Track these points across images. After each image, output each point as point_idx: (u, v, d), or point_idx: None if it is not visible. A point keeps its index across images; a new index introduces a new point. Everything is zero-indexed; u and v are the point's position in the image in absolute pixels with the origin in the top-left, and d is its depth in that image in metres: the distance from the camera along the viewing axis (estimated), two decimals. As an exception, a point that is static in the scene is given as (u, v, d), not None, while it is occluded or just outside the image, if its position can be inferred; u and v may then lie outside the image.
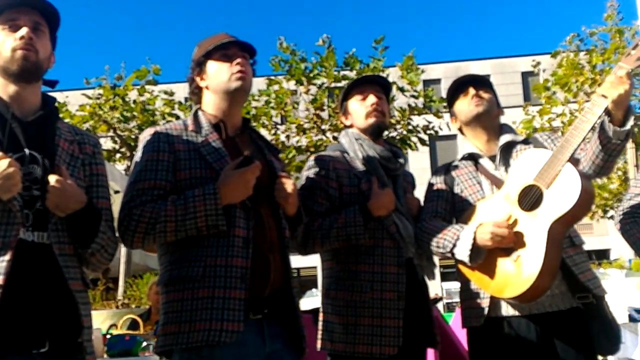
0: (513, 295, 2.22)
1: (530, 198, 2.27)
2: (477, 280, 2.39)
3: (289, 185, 2.14)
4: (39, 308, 1.72)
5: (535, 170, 2.27)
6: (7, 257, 1.66)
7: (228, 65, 2.18)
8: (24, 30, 1.83)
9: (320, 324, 2.52)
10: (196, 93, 2.29)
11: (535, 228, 2.22)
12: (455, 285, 19.93)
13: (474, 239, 2.30)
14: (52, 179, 1.76)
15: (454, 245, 2.36)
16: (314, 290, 18.81)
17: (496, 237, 2.25)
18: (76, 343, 1.78)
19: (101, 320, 5.91)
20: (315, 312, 3.76)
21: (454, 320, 5.11)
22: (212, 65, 2.21)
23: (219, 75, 2.19)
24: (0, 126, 1.79)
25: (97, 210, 1.91)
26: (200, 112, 2.22)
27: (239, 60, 2.18)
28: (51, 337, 1.73)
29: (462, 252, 2.33)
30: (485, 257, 2.33)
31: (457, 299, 18.44)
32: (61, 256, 1.78)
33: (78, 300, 1.79)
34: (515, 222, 2.28)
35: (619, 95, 2.12)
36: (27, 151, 1.79)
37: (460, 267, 2.45)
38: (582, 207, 2.19)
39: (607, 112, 2.18)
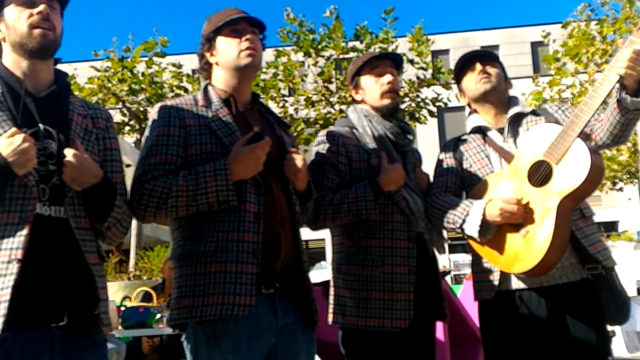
0: (522, 270, 2.24)
1: (540, 174, 2.27)
2: (487, 255, 2.40)
3: (298, 160, 2.15)
4: (57, 282, 1.74)
5: (545, 145, 2.27)
6: (24, 231, 1.68)
7: (237, 41, 2.17)
8: (42, 7, 1.83)
9: (331, 298, 2.56)
10: (206, 69, 2.28)
11: (545, 204, 2.22)
12: (462, 258, 20.04)
13: (484, 214, 2.31)
14: (69, 153, 1.78)
15: (464, 221, 2.37)
16: (322, 262, 18.95)
17: (505, 213, 2.26)
18: (93, 315, 1.82)
19: (114, 291, 6.01)
20: (325, 284, 3.80)
21: (462, 293, 5.15)
22: (221, 41, 2.20)
23: (229, 51, 2.18)
24: (14, 102, 1.80)
25: (112, 184, 1.92)
26: (210, 87, 2.23)
27: (248, 36, 2.17)
28: (69, 311, 1.76)
29: (472, 228, 2.35)
30: (494, 233, 2.34)
31: (464, 271, 18.55)
32: (78, 230, 1.80)
33: (94, 273, 1.82)
34: (524, 197, 2.28)
35: (631, 74, 2.11)
36: (41, 126, 1.80)
37: (471, 242, 2.47)
38: (592, 183, 2.19)
39: (621, 83, 2.17)
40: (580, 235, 2.32)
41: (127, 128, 12.01)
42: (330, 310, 2.54)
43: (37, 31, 1.82)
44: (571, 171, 2.18)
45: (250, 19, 2.21)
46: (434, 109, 11.85)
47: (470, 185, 2.55)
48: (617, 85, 2.17)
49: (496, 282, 2.38)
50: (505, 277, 2.38)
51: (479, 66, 2.57)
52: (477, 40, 29.20)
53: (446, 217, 2.44)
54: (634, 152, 15.94)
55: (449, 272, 16.13)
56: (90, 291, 1.81)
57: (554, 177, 2.23)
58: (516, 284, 2.37)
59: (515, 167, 2.37)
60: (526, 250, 2.24)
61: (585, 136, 2.26)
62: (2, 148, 1.66)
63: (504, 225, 2.31)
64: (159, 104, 2.18)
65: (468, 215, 2.36)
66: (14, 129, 1.69)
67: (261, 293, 2.01)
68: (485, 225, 2.32)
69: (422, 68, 11.48)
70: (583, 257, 2.31)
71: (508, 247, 2.31)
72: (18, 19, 1.83)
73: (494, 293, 2.39)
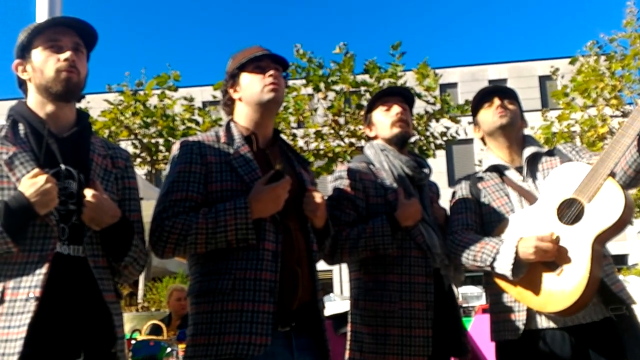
0: (557, 310, 2.20)
1: (571, 212, 2.25)
2: (517, 294, 2.34)
3: (317, 198, 2.16)
4: (74, 320, 1.75)
5: (573, 184, 2.26)
6: (43, 270, 1.70)
7: (261, 77, 2.20)
8: (68, 53, 1.88)
9: (349, 334, 2.53)
10: (229, 105, 2.31)
11: (578, 242, 2.20)
12: (471, 290, 19.76)
13: (516, 252, 2.27)
14: (88, 193, 1.80)
15: (494, 259, 2.32)
16: (331, 295, 18.80)
17: (540, 251, 2.22)
18: (110, 353, 1.82)
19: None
20: (334, 318, 3.77)
21: (473, 327, 5.09)
22: (245, 77, 2.24)
23: (252, 86, 2.21)
24: (37, 143, 1.84)
25: (130, 224, 1.94)
26: (232, 124, 2.25)
27: (271, 72, 2.20)
28: (86, 348, 1.76)
29: (504, 266, 2.29)
30: (526, 272, 2.30)
31: (473, 303, 18.28)
32: (96, 269, 1.82)
33: (112, 311, 1.83)
34: (556, 236, 2.26)
35: None
36: (63, 166, 1.84)
37: (499, 281, 2.40)
38: (625, 220, 2.16)
39: None
40: (602, 275, 2.28)
41: (138, 160, 12.06)
42: (348, 346, 2.51)
43: (63, 74, 1.87)
44: (604, 209, 2.16)
45: (274, 57, 2.25)
46: (443, 143, 11.86)
47: (489, 222, 2.52)
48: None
49: (522, 322, 2.33)
50: (530, 316, 2.33)
51: (497, 101, 2.57)
52: (486, 74, 29.39)
53: (473, 255, 2.39)
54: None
55: (460, 307, 15.95)
56: (108, 329, 1.82)
57: (585, 215, 2.20)
58: (541, 323, 2.32)
59: (542, 205, 2.34)
60: (561, 290, 2.20)
61: (612, 175, 2.24)
62: (25, 188, 1.69)
63: (536, 264, 2.27)
64: (180, 140, 2.19)
65: (499, 254, 2.31)
66: (36, 170, 1.72)
67: (277, 331, 1.99)
68: (517, 263, 2.27)
69: (430, 102, 11.53)
70: (606, 296, 2.28)
71: (541, 287, 2.26)
72: (45, 63, 1.88)
73: (520, 333, 2.33)
